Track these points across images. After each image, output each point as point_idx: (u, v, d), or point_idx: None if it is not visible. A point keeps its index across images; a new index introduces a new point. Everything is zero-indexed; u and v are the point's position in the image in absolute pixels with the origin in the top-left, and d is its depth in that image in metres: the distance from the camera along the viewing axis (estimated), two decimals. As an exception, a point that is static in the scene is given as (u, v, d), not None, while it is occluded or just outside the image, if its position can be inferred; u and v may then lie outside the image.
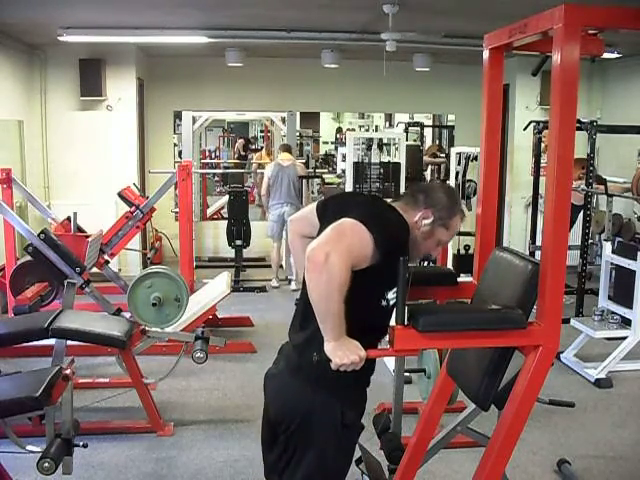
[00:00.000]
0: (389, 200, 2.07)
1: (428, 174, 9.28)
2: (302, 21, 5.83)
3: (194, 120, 8.52)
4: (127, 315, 3.99)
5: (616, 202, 5.73)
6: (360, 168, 6.76)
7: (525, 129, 6.24)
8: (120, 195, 5.10)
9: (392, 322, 1.87)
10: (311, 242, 1.75)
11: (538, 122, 5.85)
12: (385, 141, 7.75)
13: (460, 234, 6.04)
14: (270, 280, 6.98)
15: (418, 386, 3.62)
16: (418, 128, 10.00)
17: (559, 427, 3.73)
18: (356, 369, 1.79)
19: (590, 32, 1.90)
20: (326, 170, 12.27)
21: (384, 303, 1.90)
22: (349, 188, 6.72)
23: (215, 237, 8.37)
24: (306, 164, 12.08)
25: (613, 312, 4.65)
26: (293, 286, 6.75)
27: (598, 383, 4.36)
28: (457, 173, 6.69)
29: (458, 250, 6.09)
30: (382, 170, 6.75)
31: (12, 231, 4.88)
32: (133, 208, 5.00)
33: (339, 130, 13.78)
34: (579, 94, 1.81)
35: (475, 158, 6.56)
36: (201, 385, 4.31)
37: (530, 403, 1.89)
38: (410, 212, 1.96)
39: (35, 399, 2.26)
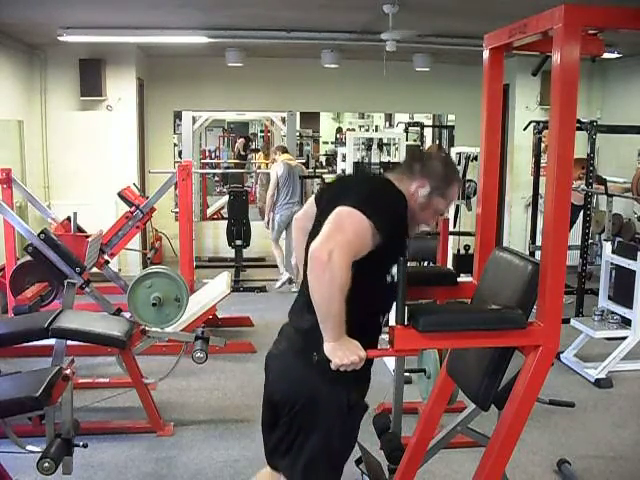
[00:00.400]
0: (385, 172, 2.07)
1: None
2: (302, 21, 5.83)
3: (194, 120, 8.52)
4: (127, 315, 3.99)
5: (616, 202, 5.73)
6: (360, 168, 6.77)
7: (525, 129, 6.24)
8: (120, 195, 5.10)
9: (392, 322, 1.87)
10: (314, 238, 1.75)
11: (538, 122, 5.84)
12: (385, 141, 7.77)
13: (460, 234, 6.05)
14: (274, 280, 6.93)
15: (418, 386, 3.62)
16: (418, 128, 10.01)
17: (559, 427, 3.73)
18: (356, 369, 1.79)
19: (590, 32, 1.91)
20: (327, 170, 12.27)
21: (389, 279, 1.90)
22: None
23: (215, 237, 8.37)
24: (306, 164, 12.09)
25: (613, 312, 4.65)
26: (294, 288, 6.74)
27: (598, 383, 4.36)
28: (457, 173, 6.69)
29: (458, 250, 6.08)
30: (382, 170, 6.76)
31: (12, 231, 4.88)
32: (133, 208, 5.00)
33: (339, 130, 13.78)
34: (579, 94, 1.81)
35: (475, 158, 6.55)
36: (201, 385, 4.31)
37: (530, 403, 1.90)
38: (406, 182, 1.95)
39: (35, 399, 2.27)
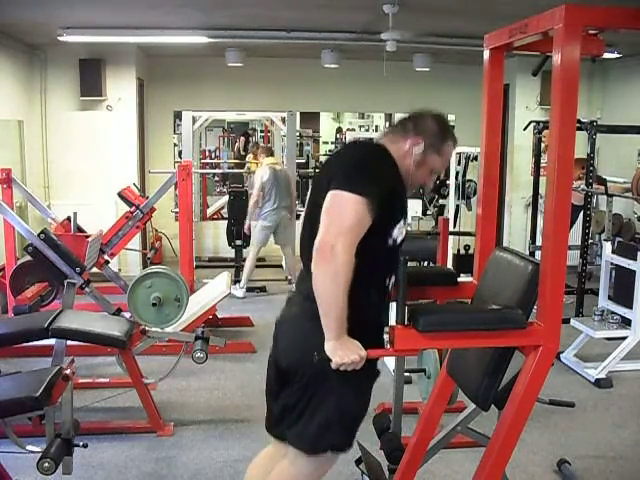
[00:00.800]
0: (380, 135, 2.06)
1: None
2: (302, 21, 5.83)
3: (194, 120, 8.51)
4: (127, 315, 3.99)
5: (616, 202, 5.73)
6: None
7: (525, 129, 6.24)
8: (120, 195, 5.10)
9: (392, 322, 1.87)
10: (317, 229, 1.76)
11: (538, 122, 5.84)
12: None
13: (460, 234, 6.06)
14: (274, 280, 6.93)
15: (418, 386, 3.62)
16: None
17: (559, 427, 3.73)
18: (357, 368, 1.79)
19: (590, 32, 1.91)
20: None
21: (390, 242, 1.90)
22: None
23: (215, 237, 8.37)
24: (306, 164, 12.10)
25: (613, 312, 4.65)
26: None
27: (598, 383, 4.36)
28: (457, 173, 6.69)
29: (458, 250, 6.09)
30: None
31: (12, 231, 4.88)
32: (133, 208, 5.00)
33: (339, 130, 13.78)
34: (579, 94, 1.81)
35: (475, 158, 6.55)
36: (201, 385, 4.31)
37: (530, 403, 1.90)
38: (400, 141, 1.95)
39: (35, 399, 2.26)
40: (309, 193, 2.12)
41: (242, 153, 12.85)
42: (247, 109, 8.84)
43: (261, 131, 13.15)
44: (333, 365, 1.76)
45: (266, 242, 6.59)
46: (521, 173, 7.61)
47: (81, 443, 2.50)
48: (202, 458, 3.34)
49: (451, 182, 6.28)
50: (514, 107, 7.63)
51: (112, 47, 6.76)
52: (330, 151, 13.31)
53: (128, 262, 7.01)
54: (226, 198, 8.41)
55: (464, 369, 2.19)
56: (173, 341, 4.04)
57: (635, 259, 4.44)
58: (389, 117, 12.18)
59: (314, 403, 1.90)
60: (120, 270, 6.33)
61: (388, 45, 5.38)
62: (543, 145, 5.83)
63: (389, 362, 4.07)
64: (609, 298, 4.81)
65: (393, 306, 1.91)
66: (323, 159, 13.36)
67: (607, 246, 4.91)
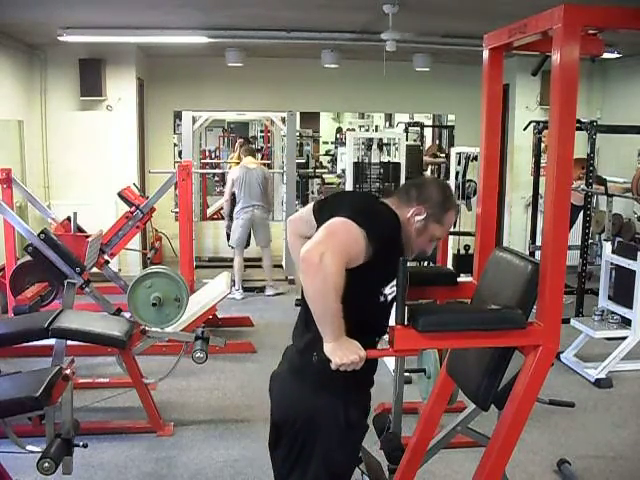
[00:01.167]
0: (382, 197, 2.07)
1: (428, 174, 9.27)
2: (302, 21, 5.83)
3: (194, 120, 8.51)
4: (127, 315, 3.99)
5: (616, 202, 5.73)
6: (360, 168, 6.76)
7: (525, 129, 6.24)
8: (120, 195, 5.09)
9: (392, 322, 1.87)
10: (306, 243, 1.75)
11: (538, 122, 5.84)
12: (385, 141, 7.75)
13: (460, 234, 6.05)
14: (274, 280, 6.93)
15: (418, 386, 3.62)
16: (418, 128, 10.00)
17: (559, 427, 3.73)
18: (356, 369, 1.79)
19: (590, 32, 1.91)
20: (326, 170, 12.26)
21: (382, 299, 1.90)
22: (349, 188, 6.72)
23: (215, 237, 8.37)
24: (306, 164, 12.08)
25: (613, 312, 4.65)
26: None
27: (598, 383, 4.36)
28: (457, 173, 6.69)
29: (458, 250, 6.08)
30: (382, 170, 6.76)
31: (12, 231, 4.88)
32: (133, 208, 5.00)
33: (339, 130, 13.76)
34: (579, 94, 1.81)
35: (475, 158, 6.56)
36: (201, 385, 4.31)
37: (530, 403, 1.90)
38: (403, 208, 1.96)
39: (35, 399, 2.27)
40: (305, 211, 2.09)
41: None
42: (247, 109, 8.84)
43: (261, 131, 13.14)
44: (333, 366, 1.76)
45: (243, 241, 6.52)
46: (521, 173, 7.61)
47: (81, 443, 2.50)
48: (202, 458, 3.34)
49: (451, 182, 6.28)
50: (514, 107, 7.63)
51: (112, 47, 6.76)
52: (330, 151, 13.31)
53: (128, 262, 7.00)
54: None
55: (464, 369, 2.19)
56: (173, 341, 4.04)
57: (635, 259, 4.44)
58: (389, 117, 12.18)
59: (303, 458, 1.93)
60: (120, 270, 6.33)
61: (388, 45, 5.38)
62: (543, 145, 5.83)
63: (389, 362, 4.08)
64: (609, 298, 4.82)
65: (393, 306, 1.91)
66: (323, 159, 13.37)
67: (607, 246, 4.91)
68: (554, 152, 1.82)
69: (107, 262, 5.01)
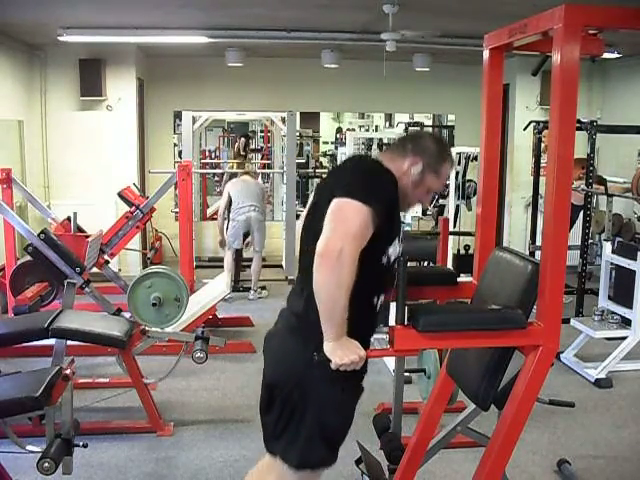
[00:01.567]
0: (377, 153, 2.08)
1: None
2: (302, 21, 5.83)
3: (194, 120, 8.50)
4: (127, 315, 3.99)
5: (616, 202, 5.73)
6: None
7: (525, 129, 6.24)
8: (120, 195, 5.09)
9: (392, 322, 1.87)
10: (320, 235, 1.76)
11: (538, 122, 5.84)
12: (385, 141, 7.77)
13: (460, 234, 6.06)
14: (274, 280, 6.93)
15: (418, 386, 3.61)
16: (418, 128, 9.99)
17: (559, 427, 3.73)
18: (356, 368, 1.79)
19: (590, 32, 1.91)
20: (326, 170, 12.26)
21: (385, 260, 1.90)
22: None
23: (215, 237, 8.30)
24: (306, 164, 12.09)
25: (613, 312, 4.65)
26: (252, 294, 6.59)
27: (598, 383, 4.36)
28: (457, 173, 6.69)
29: (458, 250, 6.09)
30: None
31: (12, 231, 4.88)
32: (133, 208, 5.00)
33: (339, 130, 13.76)
34: (579, 94, 1.81)
35: (475, 158, 6.56)
36: (201, 385, 4.31)
37: (530, 403, 1.90)
38: (399, 161, 1.96)
39: (35, 399, 2.26)
40: (309, 206, 2.10)
41: (242, 153, 12.85)
42: (247, 109, 8.84)
43: (261, 131, 13.14)
44: (333, 365, 1.76)
45: (236, 241, 6.45)
46: (521, 173, 7.61)
47: (81, 443, 2.50)
48: (202, 458, 3.34)
49: (451, 182, 6.28)
50: (514, 107, 7.63)
51: (112, 47, 6.76)
52: (329, 151, 13.31)
53: (128, 262, 7.00)
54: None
55: (464, 369, 2.19)
56: (173, 341, 4.03)
57: (635, 259, 4.44)
58: (389, 117, 12.18)
59: (296, 417, 1.92)
60: (120, 270, 6.33)
61: (388, 45, 5.38)
62: (543, 145, 5.83)
63: (389, 362, 4.08)
64: (609, 298, 4.82)
65: (393, 306, 1.91)
66: (323, 159, 13.37)
67: (607, 246, 4.91)
68: (554, 152, 1.82)
69: (107, 262, 5.01)
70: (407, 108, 9.86)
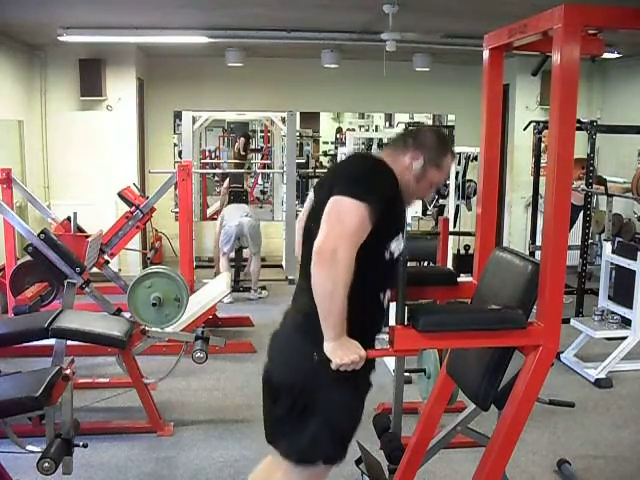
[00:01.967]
0: (378, 150, 2.08)
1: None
2: (302, 21, 5.83)
3: (194, 120, 8.51)
4: (127, 315, 3.99)
5: (616, 202, 5.73)
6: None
7: (525, 129, 6.24)
8: (120, 195, 5.09)
9: (392, 322, 1.87)
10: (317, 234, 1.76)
11: (538, 122, 5.84)
12: (385, 141, 7.76)
13: (460, 234, 6.06)
14: (274, 280, 6.92)
15: (418, 386, 3.62)
16: (418, 128, 9.98)
17: (559, 427, 3.73)
18: (357, 368, 1.79)
19: (590, 32, 1.91)
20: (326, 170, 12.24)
21: (388, 256, 1.90)
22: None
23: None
24: (306, 164, 12.09)
25: (613, 312, 4.65)
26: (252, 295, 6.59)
27: (598, 383, 4.36)
28: (457, 173, 6.69)
29: (458, 250, 6.09)
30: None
31: (12, 231, 4.88)
32: (133, 208, 5.00)
33: (339, 130, 13.76)
34: (579, 94, 1.81)
35: (475, 158, 6.56)
36: (201, 385, 4.31)
37: (530, 403, 1.90)
38: (400, 156, 1.97)
39: (35, 399, 2.27)
40: (309, 204, 2.10)
41: (242, 153, 12.84)
42: (247, 109, 8.84)
43: (261, 131, 13.15)
44: (333, 365, 1.76)
45: (227, 246, 6.41)
46: (521, 173, 7.61)
47: (81, 443, 2.50)
48: (202, 458, 3.34)
49: (451, 182, 6.28)
50: (514, 107, 7.62)
51: (112, 47, 6.76)
52: (329, 151, 13.31)
53: (128, 262, 7.00)
54: (226, 198, 8.40)
55: (464, 369, 2.19)
56: (173, 341, 4.04)
57: (635, 259, 4.44)
58: (389, 117, 12.17)
59: (304, 416, 1.91)
60: (120, 270, 6.33)
61: (388, 45, 5.38)
62: (543, 145, 5.83)
63: (389, 362, 4.08)
64: (609, 298, 4.81)
65: (393, 306, 1.91)
66: (323, 159, 13.37)
67: (607, 246, 4.91)
68: (554, 152, 1.82)
69: (107, 262, 5.01)
70: (407, 108, 9.85)
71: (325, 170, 12.18)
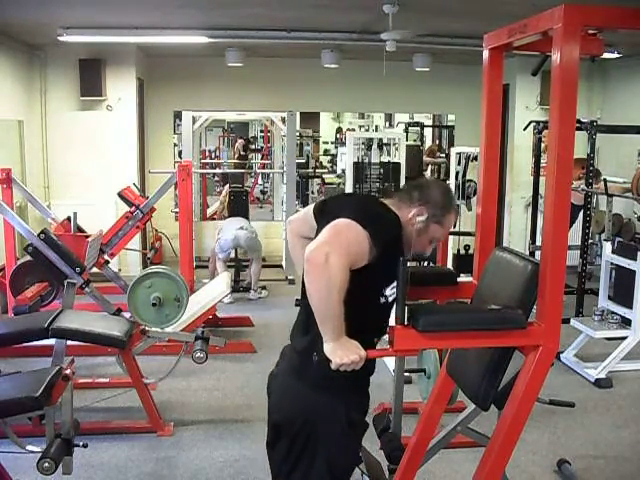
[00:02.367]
0: (384, 198, 2.08)
1: (428, 174, 9.27)
2: (302, 21, 5.83)
3: (194, 120, 8.51)
4: (127, 315, 3.99)
5: (616, 202, 5.73)
6: (360, 168, 6.76)
7: (525, 129, 6.24)
8: (120, 195, 5.09)
9: (392, 322, 1.87)
10: (309, 243, 1.75)
11: (538, 122, 5.84)
12: (385, 141, 7.77)
13: (460, 234, 6.06)
14: (274, 280, 6.92)
15: (418, 386, 3.62)
16: (418, 128, 10.01)
17: (559, 427, 3.73)
18: (356, 368, 1.79)
19: (590, 32, 1.91)
20: (326, 170, 12.27)
21: (383, 300, 1.91)
22: (349, 188, 6.72)
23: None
24: (306, 164, 12.09)
25: (613, 312, 4.65)
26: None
27: (598, 383, 4.36)
28: (457, 173, 6.69)
29: (458, 250, 6.09)
30: (382, 170, 6.77)
31: (12, 231, 4.88)
32: (133, 208, 5.00)
33: (339, 130, 13.77)
34: (579, 94, 1.81)
35: (475, 158, 6.55)
36: (201, 385, 4.31)
37: (530, 403, 1.90)
38: (404, 209, 1.96)
39: (35, 399, 2.27)
40: (307, 212, 2.08)
41: (242, 153, 12.85)
42: (247, 109, 8.84)
43: (261, 131, 13.15)
44: (333, 365, 1.76)
45: (223, 253, 6.41)
46: (521, 173, 7.61)
47: (81, 443, 2.50)
48: (202, 458, 3.34)
49: (451, 182, 6.28)
50: (514, 107, 7.63)
51: (112, 47, 6.76)
52: (329, 151, 13.32)
53: (128, 262, 7.00)
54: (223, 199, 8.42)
55: (464, 369, 2.19)
56: (173, 341, 4.03)
57: (635, 259, 4.44)
58: (389, 117, 12.18)
59: (304, 460, 1.93)
60: (120, 270, 6.33)
61: (388, 45, 5.38)
62: (543, 145, 5.83)
63: (389, 362, 4.08)
64: (609, 298, 4.82)
65: (393, 307, 1.91)
66: (323, 159, 13.38)
67: (607, 246, 4.91)
68: (554, 152, 1.82)
69: (107, 262, 5.01)
70: (407, 108, 9.85)
71: (325, 170, 12.24)
